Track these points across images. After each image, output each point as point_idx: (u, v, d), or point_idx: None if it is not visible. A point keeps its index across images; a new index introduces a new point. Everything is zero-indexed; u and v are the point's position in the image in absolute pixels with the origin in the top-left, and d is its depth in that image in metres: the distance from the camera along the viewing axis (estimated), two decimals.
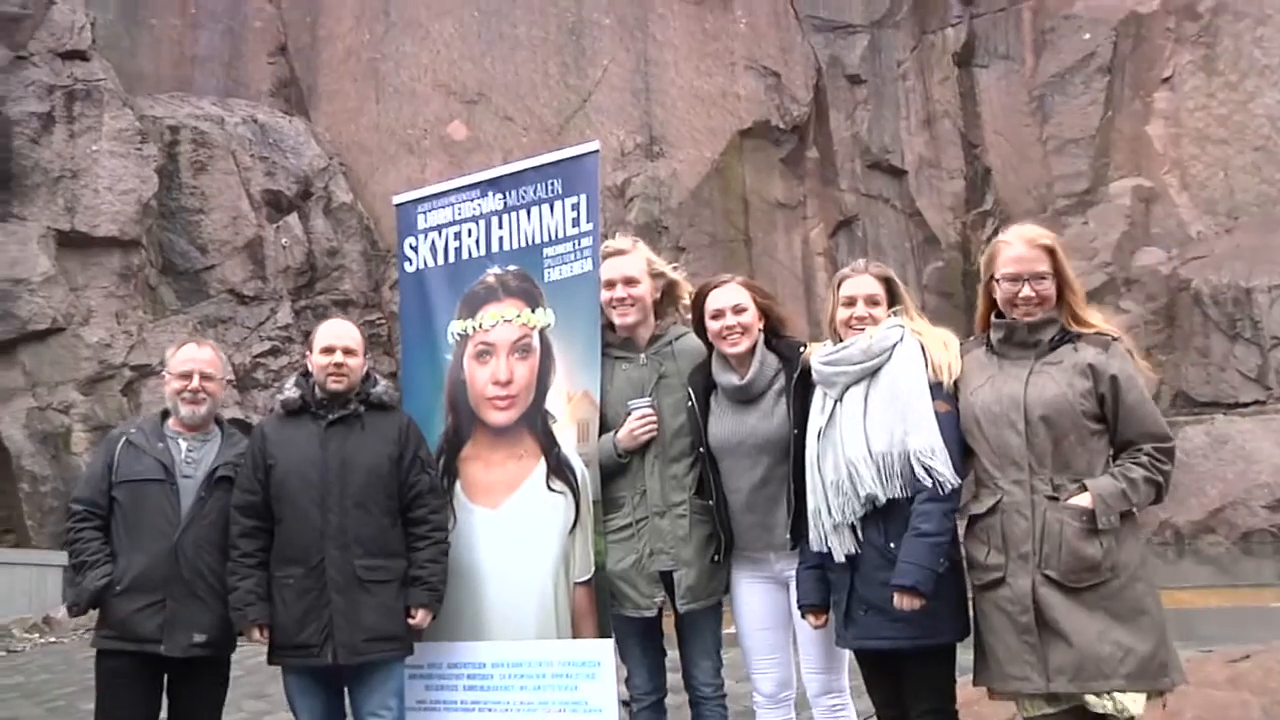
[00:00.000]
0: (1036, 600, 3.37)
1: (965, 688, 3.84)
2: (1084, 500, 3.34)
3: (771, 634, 4.23)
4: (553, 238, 4.76)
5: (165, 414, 4.52)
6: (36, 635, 12.17)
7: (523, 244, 4.84)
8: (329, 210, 18.24)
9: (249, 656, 5.26)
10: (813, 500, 3.80)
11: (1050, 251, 3.55)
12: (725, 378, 4.22)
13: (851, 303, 3.91)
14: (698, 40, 18.12)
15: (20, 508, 14.42)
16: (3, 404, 14.46)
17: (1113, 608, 3.30)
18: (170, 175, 16.83)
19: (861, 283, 3.93)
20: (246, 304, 17.09)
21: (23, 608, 12.70)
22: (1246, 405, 14.71)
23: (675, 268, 4.77)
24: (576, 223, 4.72)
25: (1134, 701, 3.32)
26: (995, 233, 6.35)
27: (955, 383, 3.68)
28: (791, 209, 17.82)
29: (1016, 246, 3.60)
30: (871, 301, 3.90)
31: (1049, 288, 3.54)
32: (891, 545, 3.61)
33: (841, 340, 3.91)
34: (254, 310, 17.11)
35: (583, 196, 4.73)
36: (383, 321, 17.44)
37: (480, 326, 4.84)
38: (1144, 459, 3.37)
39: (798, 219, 17.82)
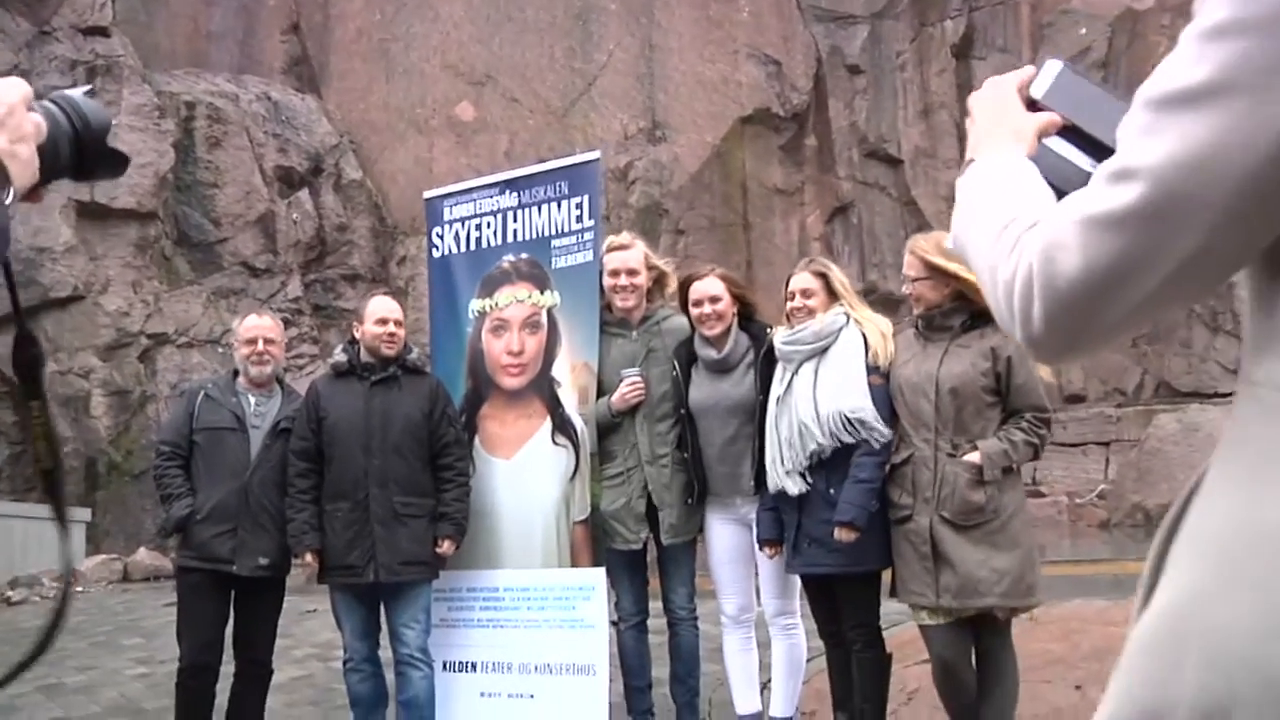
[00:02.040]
0: (933, 534, 4.25)
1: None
2: (974, 457, 4.22)
3: (736, 565, 5.11)
4: (559, 231, 5.62)
5: (235, 373, 5.42)
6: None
7: (534, 236, 5.69)
8: (339, 186, 18.60)
9: None
10: (770, 452, 4.67)
11: (922, 260, 4.40)
12: (705, 352, 5.10)
13: (792, 296, 4.81)
14: (702, 27, 18.41)
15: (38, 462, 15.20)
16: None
17: (992, 541, 4.19)
18: (186, 150, 17.23)
19: (800, 279, 4.84)
20: (258, 276, 17.55)
21: (50, 559, 13.37)
22: (1226, 396, 15.48)
23: (666, 261, 5.67)
24: (580, 219, 5.58)
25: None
26: None
27: (890, 360, 4.58)
28: (789, 195, 18.17)
29: (906, 256, 4.52)
30: (805, 294, 4.78)
31: (921, 288, 4.41)
32: (831, 490, 4.50)
33: (789, 324, 4.80)
34: (265, 283, 17.55)
35: (585, 197, 5.60)
36: (389, 295, 18.10)
37: (496, 305, 5.71)
38: (1025, 425, 4.28)
39: (795, 205, 18.17)
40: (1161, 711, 0.94)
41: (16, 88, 1.21)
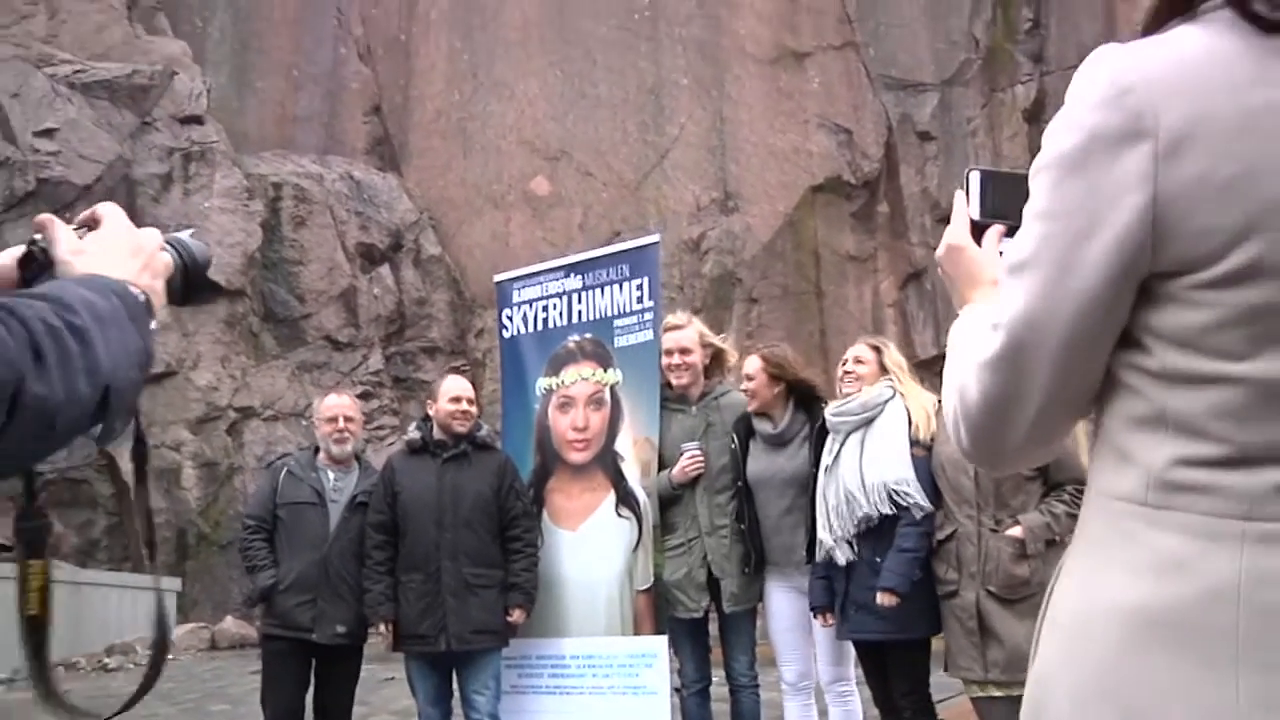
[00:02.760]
0: (980, 609, 4.35)
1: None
2: (1017, 531, 4.32)
3: (795, 633, 5.23)
4: (621, 312, 5.80)
5: (316, 449, 5.72)
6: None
7: (597, 316, 5.87)
8: (418, 261, 19.18)
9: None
10: (820, 520, 4.83)
11: None
12: (763, 426, 5.28)
13: (844, 362, 5.05)
14: (772, 99, 18.76)
15: (137, 539, 15.71)
16: (123, 444, 15.88)
17: (1039, 615, 4.32)
18: (272, 229, 17.97)
19: (856, 349, 5.08)
20: (340, 350, 18.14)
21: (145, 627, 13.84)
22: None
23: (723, 338, 5.88)
24: (640, 300, 5.76)
25: None
26: None
27: (932, 435, 4.74)
28: (862, 262, 18.31)
29: None
30: (858, 361, 4.99)
31: None
32: (877, 559, 4.63)
33: (840, 393, 4.99)
34: (347, 356, 18.15)
35: (646, 279, 5.78)
36: (467, 368, 18.12)
37: (562, 383, 5.89)
38: (1066, 497, 4.38)
39: (868, 271, 18.31)
40: None
41: (154, 235, 1.43)
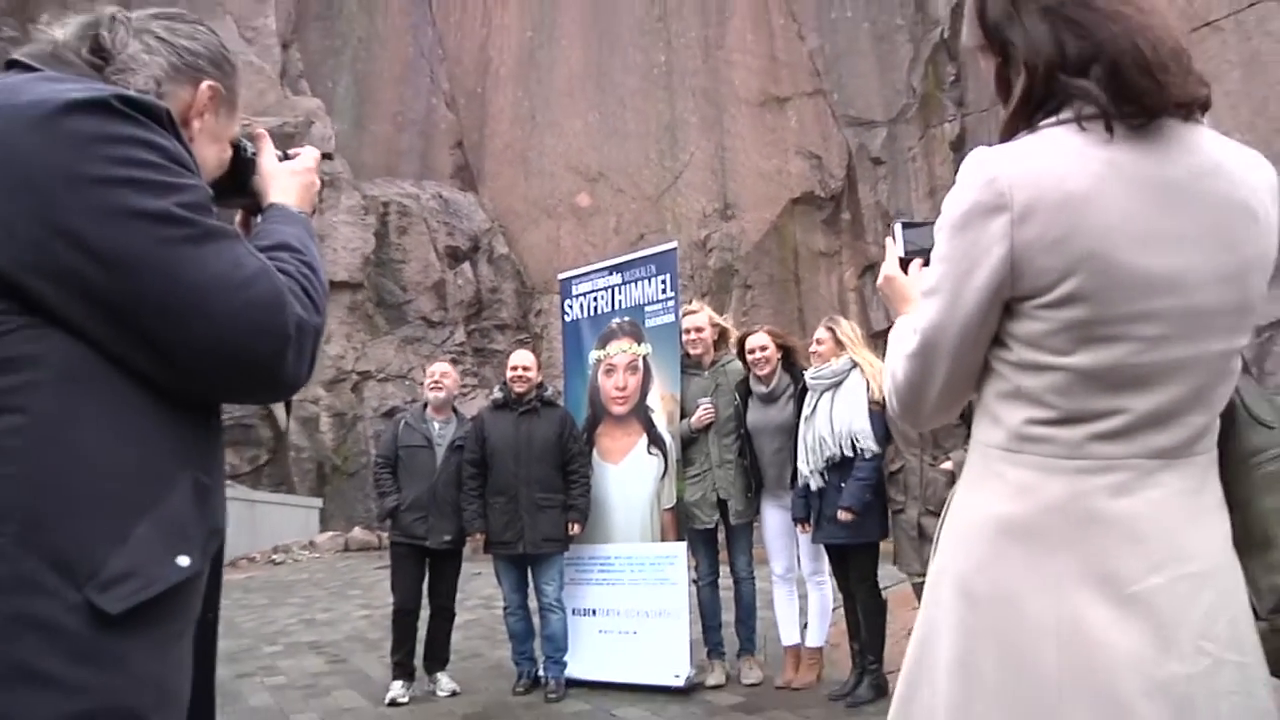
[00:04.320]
0: (919, 522, 4.46)
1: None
2: (948, 465, 4.39)
3: (782, 539, 5.32)
4: (650, 300, 5.86)
5: (425, 405, 5.82)
6: (306, 552, 13.64)
7: (633, 304, 5.94)
8: (491, 259, 19.22)
9: None
10: (800, 456, 4.92)
11: None
12: (757, 387, 5.33)
13: (811, 343, 5.08)
14: (760, 132, 18.61)
15: (290, 469, 15.92)
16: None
17: None
18: (382, 237, 18.03)
19: (818, 332, 5.09)
20: (434, 327, 18.25)
21: (296, 533, 14.10)
22: None
23: (727, 318, 5.92)
24: (664, 291, 5.82)
25: None
26: None
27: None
28: (830, 256, 18.14)
29: None
30: (818, 342, 5.02)
31: None
32: (841, 485, 4.72)
33: (811, 364, 5.05)
34: (439, 332, 18.26)
35: (667, 275, 5.83)
36: (529, 340, 18.31)
37: (608, 354, 5.94)
38: None
39: (835, 264, 18.12)
40: (929, 636, 1.30)
41: (313, 157, 1.45)
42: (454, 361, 19.64)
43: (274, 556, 13.18)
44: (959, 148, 17.84)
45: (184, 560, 1.04)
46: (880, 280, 1.58)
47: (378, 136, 20.15)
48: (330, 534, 14.68)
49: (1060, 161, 1.19)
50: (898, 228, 1.59)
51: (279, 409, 15.71)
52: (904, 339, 1.34)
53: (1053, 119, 1.23)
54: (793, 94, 18.64)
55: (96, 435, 1.00)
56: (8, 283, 0.97)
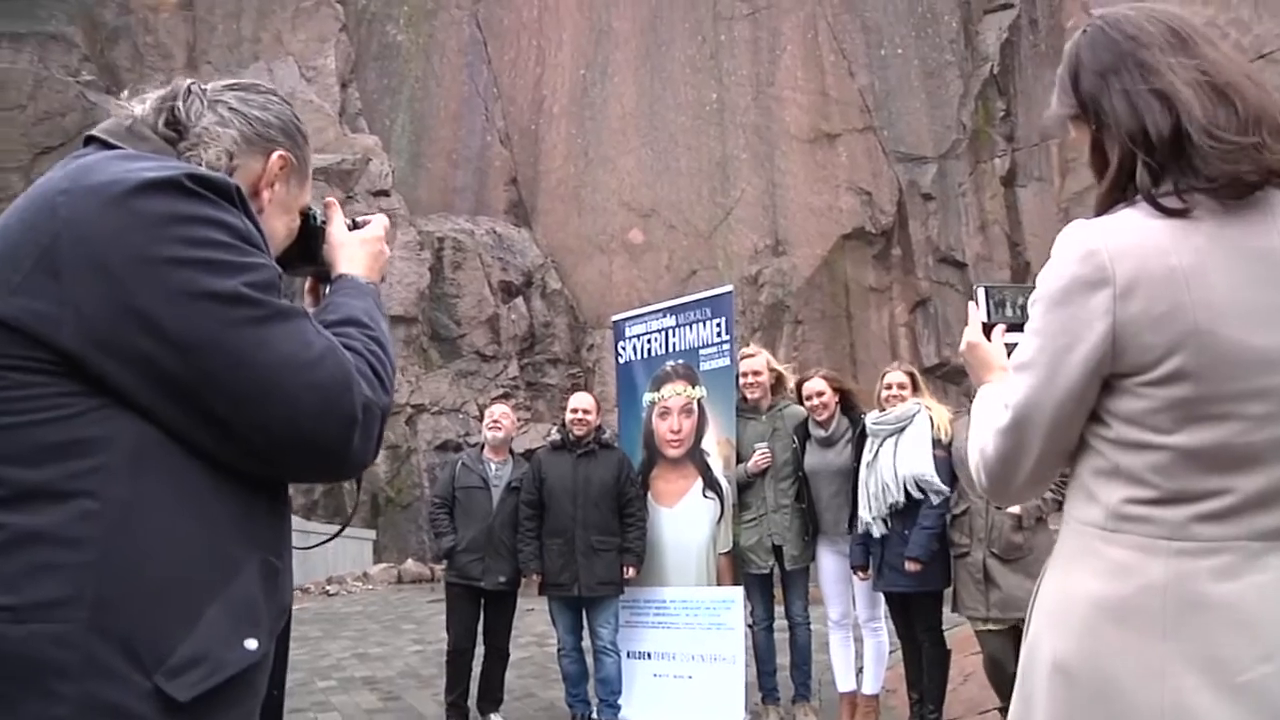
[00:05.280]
0: (985, 566, 4.38)
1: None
2: (1015, 510, 4.31)
3: (839, 584, 5.27)
4: (705, 343, 5.83)
5: (481, 447, 5.84)
6: (359, 583, 13.75)
7: (688, 347, 5.90)
8: (545, 294, 19.26)
9: None
10: (861, 502, 4.86)
11: None
12: (816, 431, 5.28)
13: (889, 386, 4.98)
14: (810, 169, 18.56)
15: (344, 501, 16.12)
16: None
17: (1027, 570, 4.27)
18: (437, 272, 18.19)
19: (896, 375, 5.02)
20: (487, 361, 18.30)
21: (351, 565, 14.19)
22: None
23: (785, 366, 5.85)
24: (719, 334, 5.80)
25: None
26: None
27: (951, 439, 4.73)
28: (881, 292, 18.02)
29: None
30: (900, 386, 4.95)
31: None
32: (906, 533, 4.66)
33: (882, 408, 4.97)
34: (492, 366, 18.31)
35: (723, 319, 5.81)
36: (580, 374, 18.39)
37: (662, 396, 5.92)
38: (1051, 487, 4.37)
39: (886, 300, 18.01)
40: (1025, 715, 1.28)
41: (382, 228, 1.43)
42: (506, 396, 19.78)
43: (328, 588, 13.33)
44: (1009, 183, 17.84)
45: (252, 644, 1.04)
46: (963, 347, 1.57)
47: (433, 173, 20.41)
48: (383, 565, 14.79)
49: (1162, 235, 1.18)
50: (981, 293, 1.58)
51: None
52: (995, 413, 1.33)
53: (1150, 192, 1.21)
54: (843, 130, 18.61)
55: (167, 519, 1.00)
56: (77, 364, 0.98)
